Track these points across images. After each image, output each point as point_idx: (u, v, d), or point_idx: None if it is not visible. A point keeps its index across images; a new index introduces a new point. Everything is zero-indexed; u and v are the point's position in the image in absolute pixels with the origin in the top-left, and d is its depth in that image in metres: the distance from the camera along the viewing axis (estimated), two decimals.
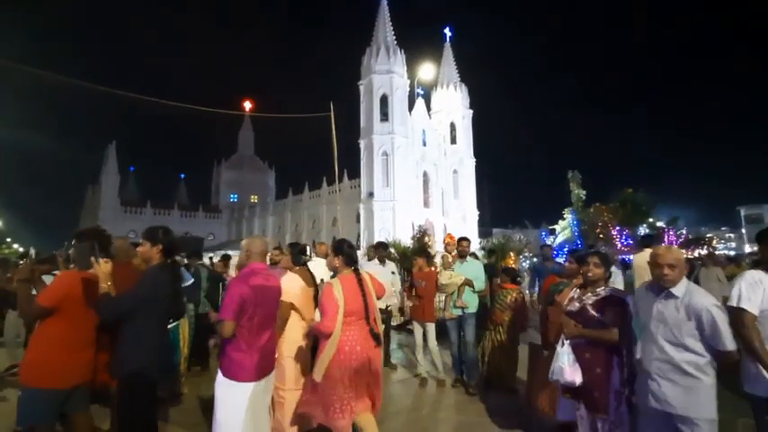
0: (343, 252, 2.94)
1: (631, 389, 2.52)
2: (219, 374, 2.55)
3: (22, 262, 3.88)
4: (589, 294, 2.66)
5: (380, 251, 5.69)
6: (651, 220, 27.08)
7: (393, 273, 5.53)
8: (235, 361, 2.47)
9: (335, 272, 3.01)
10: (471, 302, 4.84)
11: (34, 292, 2.56)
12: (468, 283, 4.77)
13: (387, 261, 5.70)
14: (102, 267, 2.37)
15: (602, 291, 2.64)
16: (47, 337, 2.37)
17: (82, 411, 2.52)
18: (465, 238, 5.10)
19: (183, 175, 72.91)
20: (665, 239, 26.08)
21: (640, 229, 25.38)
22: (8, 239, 43.31)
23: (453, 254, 5.10)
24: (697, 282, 7.09)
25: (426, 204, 39.88)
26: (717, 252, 17.93)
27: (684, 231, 28.59)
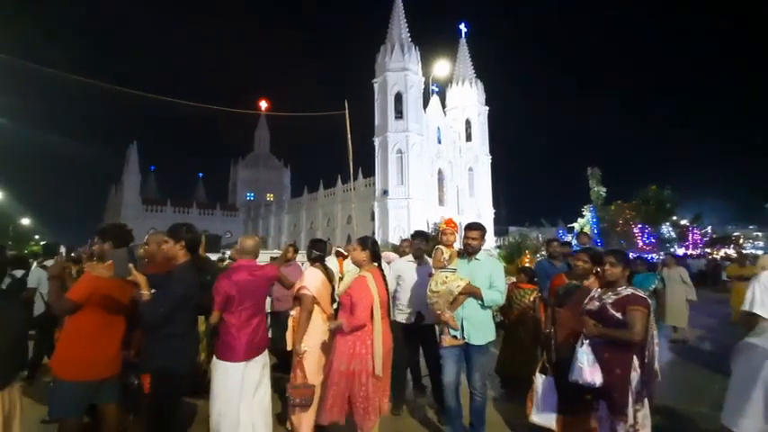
0: (370, 247, 3.04)
1: (650, 390, 2.47)
2: (214, 357, 2.82)
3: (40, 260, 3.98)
4: (609, 293, 2.60)
5: (419, 242, 4.13)
6: (675, 218, 26.24)
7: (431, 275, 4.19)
8: (226, 343, 2.76)
9: (360, 267, 3.05)
10: (479, 326, 3.06)
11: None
12: (473, 290, 3.02)
13: (426, 258, 4.06)
14: (141, 276, 2.43)
15: (623, 290, 2.58)
16: (77, 331, 2.45)
17: (110, 403, 2.60)
18: (475, 226, 3.25)
19: (201, 174, 74.61)
20: (689, 238, 25.35)
21: (663, 227, 24.57)
22: (36, 237, 45.05)
23: (451, 247, 3.26)
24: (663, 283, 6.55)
25: (441, 202, 39.67)
26: (744, 251, 17.25)
27: (710, 230, 27.68)
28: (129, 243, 2.85)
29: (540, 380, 3.09)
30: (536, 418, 3.03)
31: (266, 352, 3.03)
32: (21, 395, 2.13)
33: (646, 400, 2.50)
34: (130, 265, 2.41)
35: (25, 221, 39.98)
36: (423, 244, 4.14)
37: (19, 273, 4.85)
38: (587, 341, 2.51)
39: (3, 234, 32.41)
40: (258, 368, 2.88)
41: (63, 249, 3.23)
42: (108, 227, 2.79)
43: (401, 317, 3.94)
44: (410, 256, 4.17)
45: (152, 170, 66.85)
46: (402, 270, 4.01)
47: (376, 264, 3.05)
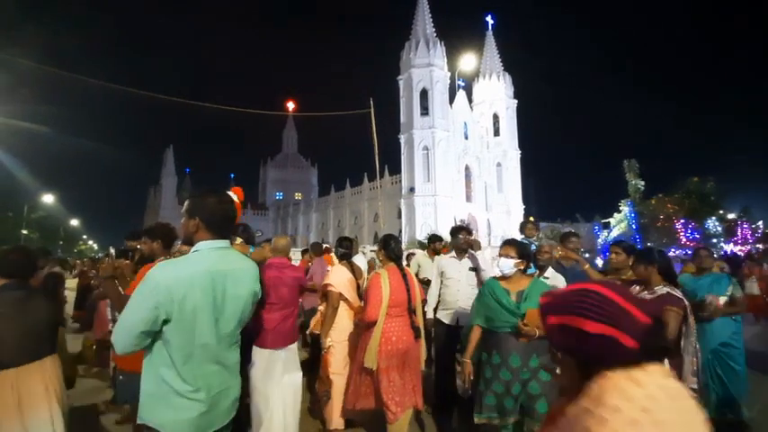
0: (388, 247, 3.09)
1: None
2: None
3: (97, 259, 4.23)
4: (645, 293, 2.47)
5: (460, 238, 3.83)
6: (721, 212, 24.59)
7: (473, 269, 3.75)
8: (257, 332, 3.04)
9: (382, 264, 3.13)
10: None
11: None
12: None
13: (469, 253, 3.85)
14: None
15: (659, 289, 2.45)
16: None
17: None
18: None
19: (232, 175, 76.97)
20: (738, 234, 23.70)
21: (708, 222, 23.14)
22: (84, 237, 48.14)
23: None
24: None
25: (469, 199, 39.11)
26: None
27: (761, 225, 25.77)
28: (174, 242, 3.02)
29: None
30: None
31: (295, 344, 3.20)
32: (57, 366, 2.28)
33: None
34: None
35: (74, 223, 42.79)
36: (463, 239, 3.84)
37: None
38: None
39: (54, 235, 34.84)
40: (283, 356, 3.08)
41: (113, 250, 3.44)
42: (156, 227, 2.94)
43: (444, 316, 3.74)
44: (453, 252, 3.92)
45: (187, 172, 69.61)
46: (444, 266, 3.83)
47: (396, 262, 3.07)
